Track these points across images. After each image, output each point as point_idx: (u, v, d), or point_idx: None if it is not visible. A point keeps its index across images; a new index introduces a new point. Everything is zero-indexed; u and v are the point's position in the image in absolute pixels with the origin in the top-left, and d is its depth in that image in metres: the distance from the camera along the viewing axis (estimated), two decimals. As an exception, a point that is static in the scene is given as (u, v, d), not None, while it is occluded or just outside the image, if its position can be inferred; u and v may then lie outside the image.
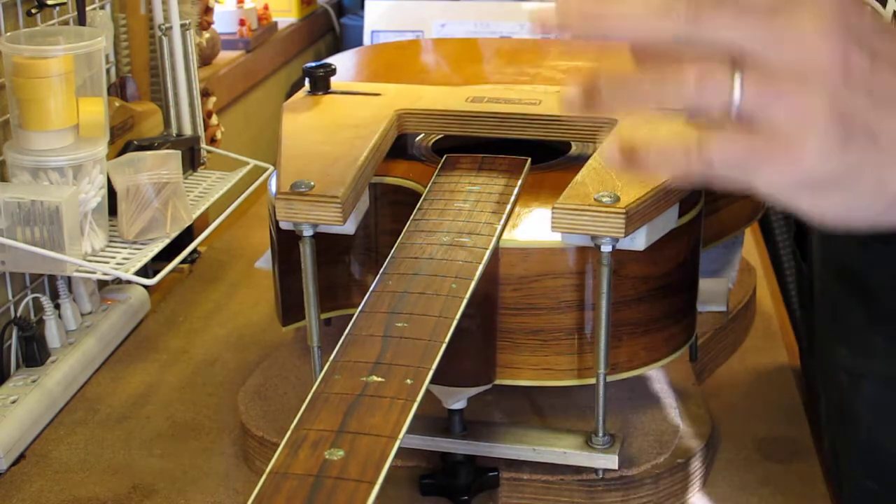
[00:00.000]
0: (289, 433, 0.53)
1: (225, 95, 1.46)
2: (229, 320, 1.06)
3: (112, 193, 0.93)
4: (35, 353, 0.91)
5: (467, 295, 0.65)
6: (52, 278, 0.98)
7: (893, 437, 0.71)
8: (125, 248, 0.93)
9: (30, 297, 0.95)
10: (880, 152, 0.44)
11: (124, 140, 1.01)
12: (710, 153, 0.44)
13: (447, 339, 0.61)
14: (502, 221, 0.73)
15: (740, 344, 0.96)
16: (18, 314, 0.94)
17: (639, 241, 0.69)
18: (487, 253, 0.69)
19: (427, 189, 0.78)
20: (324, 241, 0.74)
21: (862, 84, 0.43)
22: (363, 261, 0.82)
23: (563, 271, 0.72)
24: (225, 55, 1.55)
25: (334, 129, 0.81)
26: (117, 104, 1.02)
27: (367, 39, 1.81)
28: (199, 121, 1.13)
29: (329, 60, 0.94)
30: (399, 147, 0.85)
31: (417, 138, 0.89)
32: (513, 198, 0.76)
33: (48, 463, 0.84)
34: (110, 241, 0.94)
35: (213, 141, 1.23)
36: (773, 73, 0.43)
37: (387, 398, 0.55)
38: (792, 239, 1.14)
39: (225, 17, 1.60)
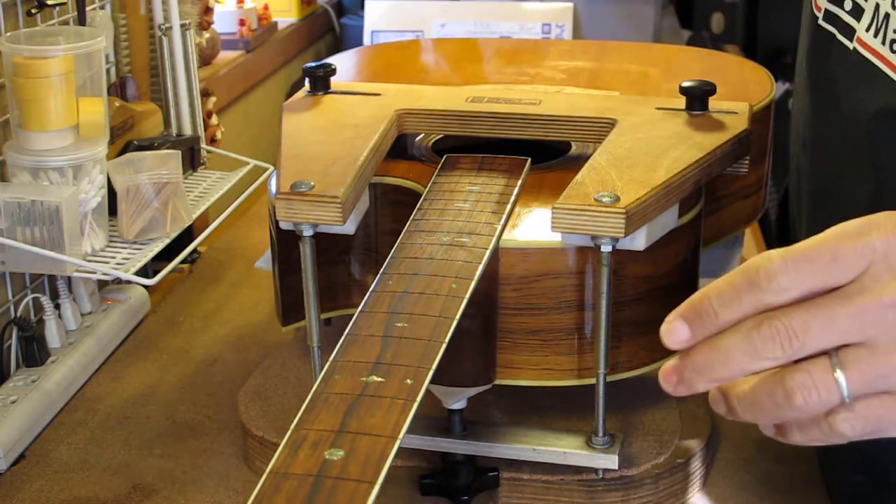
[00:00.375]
0: (289, 433, 0.53)
1: (225, 95, 1.46)
2: (229, 320, 1.06)
3: (112, 193, 0.93)
4: (35, 353, 0.91)
5: (467, 295, 0.65)
6: (52, 278, 0.98)
7: None
8: (125, 248, 0.93)
9: (30, 297, 0.95)
10: None
11: (124, 140, 1.01)
12: (841, 430, 0.46)
13: (447, 339, 0.61)
14: (502, 221, 0.73)
15: (740, 344, 0.96)
16: (18, 314, 0.94)
17: (639, 241, 0.69)
18: (487, 253, 0.69)
19: (427, 189, 0.78)
20: (324, 241, 0.74)
21: None
22: (363, 261, 0.82)
23: (563, 271, 0.72)
24: (225, 55, 1.55)
25: (334, 129, 0.81)
26: (117, 104, 1.02)
27: (367, 39, 1.81)
28: (199, 121, 1.13)
29: (329, 60, 0.94)
30: (399, 147, 0.85)
31: (417, 138, 0.89)
32: (513, 198, 0.76)
33: (48, 463, 0.84)
34: (110, 241, 0.94)
35: (213, 141, 1.23)
36: (875, 349, 0.45)
37: (387, 398, 0.55)
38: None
39: (225, 17, 1.60)
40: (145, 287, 1.04)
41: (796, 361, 0.47)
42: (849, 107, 0.68)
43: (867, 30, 0.65)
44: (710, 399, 0.50)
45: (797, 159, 0.81)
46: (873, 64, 0.65)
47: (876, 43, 0.64)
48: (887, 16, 0.63)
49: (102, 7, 1.06)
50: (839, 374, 0.45)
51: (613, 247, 0.68)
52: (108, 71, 1.06)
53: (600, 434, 0.73)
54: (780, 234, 1.75)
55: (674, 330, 0.48)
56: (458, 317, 0.63)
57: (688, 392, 0.49)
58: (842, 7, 0.69)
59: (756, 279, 0.46)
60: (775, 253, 0.47)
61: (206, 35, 1.37)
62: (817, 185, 0.76)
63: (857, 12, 0.67)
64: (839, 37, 0.69)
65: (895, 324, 0.45)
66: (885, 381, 0.45)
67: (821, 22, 0.72)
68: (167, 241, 0.95)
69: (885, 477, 0.72)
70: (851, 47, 0.67)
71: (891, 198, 0.64)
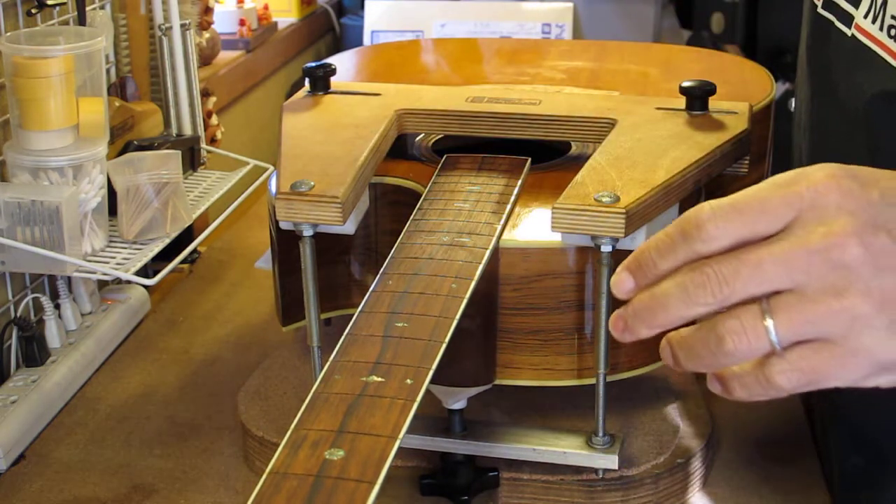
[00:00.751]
0: (289, 433, 0.53)
1: (225, 95, 1.46)
2: (229, 320, 1.06)
3: (112, 193, 0.93)
4: (35, 353, 0.91)
5: (467, 295, 0.65)
6: (52, 278, 0.98)
7: (876, 412, 0.72)
8: (125, 248, 0.93)
9: (30, 297, 0.95)
10: None
11: (124, 140, 1.01)
12: (778, 382, 0.47)
13: (447, 339, 0.61)
14: (502, 221, 0.73)
15: (740, 344, 0.96)
16: (18, 314, 0.94)
17: (639, 241, 0.69)
18: (487, 253, 0.69)
19: (427, 189, 0.78)
20: (324, 241, 0.74)
21: (889, 265, 0.46)
22: (363, 261, 0.82)
23: (563, 271, 0.72)
24: (225, 55, 1.55)
25: (334, 129, 0.81)
26: (117, 104, 1.02)
27: (367, 39, 1.81)
28: (199, 121, 1.13)
29: (329, 60, 0.94)
30: (399, 147, 0.85)
31: (417, 138, 0.89)
32: (513, 198, 0.76)
33: (48, 463, 0.84)
34: (110, 241, 0.94)
35: (213, 141, 1.23)
36: (803, 295, 0.46)
37: (387, 398, 0.55)
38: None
39: (225, 17, 1.60)
40: (145, 287, 1.04)
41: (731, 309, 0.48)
42: (847, 92, 0.69)
43: (865, 16, 0.66)
44: (660, 350, 0.51)
45: (799, 148, 0.82)
46: (871, 49, 0.66)
47: (874, 29, 0.65)
48: (885, 2, 0.64)
49: (102, 7, 1.06)
50: (768, 320, 0.46)
51: (613, 247, 0.68)
52: (108, 71, 1.06)
53: (600, 434, 0.73)
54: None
55: (621, 281, 0.51)
56: (458, 317, 0.63)
57: (633, 338, 0.51)
58: None
59: (688, 229, 0.49)
60: (706, 204, 0.49)
61: (206, 35, 1.37)
62: None
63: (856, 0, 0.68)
64: (837, 24, 0.70)
65: (821, 270, 0.46)
66: (815, 328, 0.46)
67: (820, 10, 0.73)
68: (167, 241, 0.95)
69: (881, 455, 0.72)
70: (849, 34, 0.68)
71: None
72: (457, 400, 0.74)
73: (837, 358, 0.46)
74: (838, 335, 0.46)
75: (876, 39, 0.65)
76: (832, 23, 0.71)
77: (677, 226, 0.49)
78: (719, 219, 0.48)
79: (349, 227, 0.73)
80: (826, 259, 0.46)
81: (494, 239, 0.71)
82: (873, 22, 0.66)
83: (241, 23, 1.62)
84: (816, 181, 0.47)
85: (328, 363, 0.59)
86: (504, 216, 0.74)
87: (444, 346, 0.60)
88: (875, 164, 0.66)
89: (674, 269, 0.49)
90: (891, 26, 0.63)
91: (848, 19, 0.69)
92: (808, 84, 0.78)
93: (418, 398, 0.56)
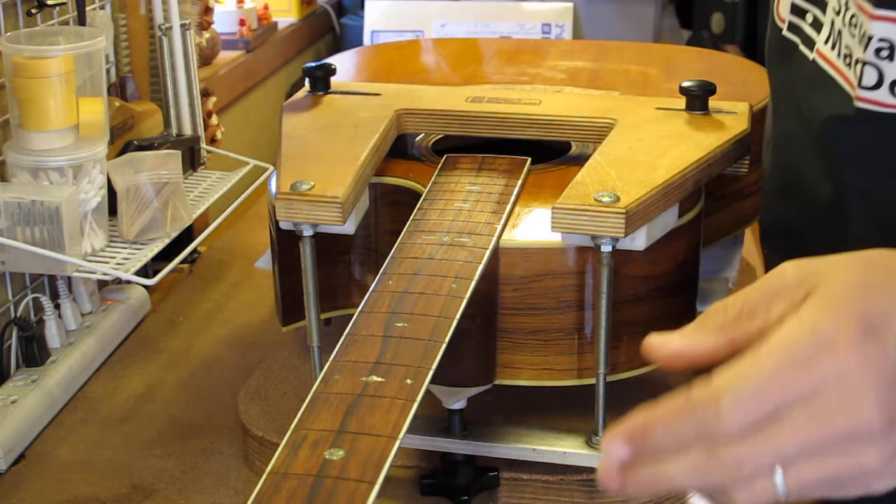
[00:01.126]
0: (289, 433, 0.53)
1: (225, 95, 1.46)
2: (229, 320, 1.06)
3: (112, 193, 0.93)
4: (35, 353, 0.91)
5: (467, 295, 0.65)
6: (52, 278, 0.98)
7: None
8: (125, 248, 0.93)
9: (30, 297, 0.95)
10: None
11: (124, 140, 1.01)
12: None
13: (447, 339, 0.61)
14: (502, 221, 0.73)
15: (740, 344, 0.96)
16: (18, 314, 0.94)
17: (639, 241, 0.69)
18: (487, 253, 0.69)
19: (427, 189, 0.78)
20: (324, 241, 0.74)
21: None
22: (363, 261, 0.82)
23: (563, 271, 0.72)
24: (225, 55, 1.55)
25: (334, 129, 0.81)
26: (117, 104, 1.02)
27: (367, 39, 1.81)
28: (199, 121, 1.13)
29: (329, 60, 0.94)
30: (399, 147, 0.85)
31: (417, 138, 0.89)
32: (513, 198, 0.76)
33: (48, 463, 0.84)
34: (110, 241, 0.94)
35: (213, 141, 1.23)
36: (819, 459, 0.46)
37: (387, 398, 0.55)
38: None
39: (225, 17, 1.60)
40: (145, 287, 1.04)
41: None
42: (807, 111, 0.70)
43: (825, 42, 0.67)
44: None
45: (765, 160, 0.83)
46: (828, 74, 0.67)
47: (833, 55, 0.66)
48: (840, 32, 0.65)
49: (102, 7, 1.06)
50: (778, 478, 0.46)
51: (613, 247, 0.68)
52: (108, 71, 1.06)
53: (600, 434, 0.73)
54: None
55: (615, 451, 0.49)
56: (458, 317, 0.63)
57: (627, 495, 0.50)
58: (804, 19, 0.71)
59: (704, 420, 0.47)
60: (723, 388, 0.47)
61: (206, 35, 1.37)
62: (780, 179, 0.77)
63: (818, 25, 0.69)
64: (801, 47, 0.71)
65: (838, 444, 0.46)
66: (824, 483, 0.47)
67: (785, 33, 0.74)
68: (167, 241, 0.95)
69: None
70: (811, 58, 0.69)
71: (849, 194, 0.66)
72: (457, 400, 0.74)
73: (843, 493, 0.47)
74: (845, 482, 0.47)
75: (834, 65, 0.67)
76: (797, 45, 0.72)
77: (691, 414, 0.48)
78: (739, 405, 0.47)
79: (349, 227, 0.73)
80: (848, 437, 0.46)
81: (494, 239, 0.71)
82: (832, 48, 0.67)
83: (241, 23, 1.62)
84: (841, 353, 0.46)
85: (328, 363, 0.59)
86: (504, 216, 0.74)
87: (444, 346, 0.60)
88: (832, 182, 0.68)
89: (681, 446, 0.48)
90: (846, 55, 0.65)
91: (811, 44, 0.70)
92: (771, 100, 0.79)
93: (418, 398, 0.55)
